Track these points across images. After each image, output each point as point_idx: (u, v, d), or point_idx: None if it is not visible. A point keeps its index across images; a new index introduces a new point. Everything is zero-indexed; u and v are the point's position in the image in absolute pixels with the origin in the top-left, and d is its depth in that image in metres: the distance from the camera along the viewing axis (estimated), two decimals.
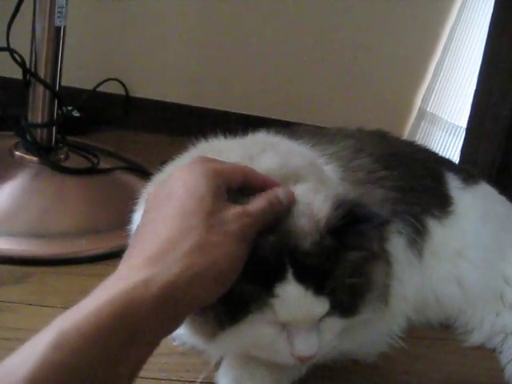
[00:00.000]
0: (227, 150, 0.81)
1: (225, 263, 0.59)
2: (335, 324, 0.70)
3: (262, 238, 0.64)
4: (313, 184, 0.74)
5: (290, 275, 0.65)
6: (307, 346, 0.68)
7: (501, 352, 1.04)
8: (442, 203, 1.08)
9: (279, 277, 0.65)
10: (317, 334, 0.68)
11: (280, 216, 0.67)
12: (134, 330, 0.52)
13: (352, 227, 0.68)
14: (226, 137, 0.90)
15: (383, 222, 0.72)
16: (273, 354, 0.70)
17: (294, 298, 0.65)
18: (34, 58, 1.24)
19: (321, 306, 0.67)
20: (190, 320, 0.68)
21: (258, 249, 0.64)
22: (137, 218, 0.87)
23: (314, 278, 0.66)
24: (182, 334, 0.84)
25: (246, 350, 0.72)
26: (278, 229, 0.66)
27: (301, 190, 0.72)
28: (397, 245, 0.96)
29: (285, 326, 0.68)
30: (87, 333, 0.49)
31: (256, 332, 0.67)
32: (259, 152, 0.78)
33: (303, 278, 0.65)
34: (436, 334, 1.07)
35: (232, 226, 0.60)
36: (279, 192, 0.68)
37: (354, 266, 0.69)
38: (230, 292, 0.62)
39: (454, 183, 1.13)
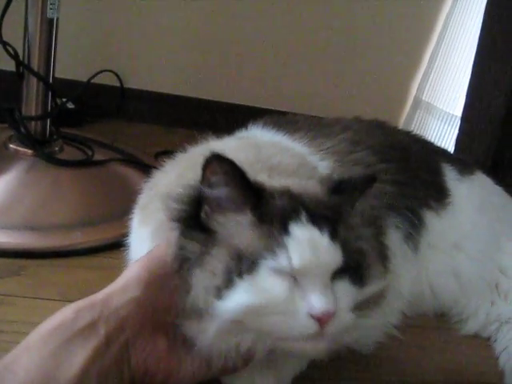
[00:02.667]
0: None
1: None
2: (348, 289, 0.67)
3: (277, 192, 0.69)
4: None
5: (304, 219, 0.66)
6: (325, 299, 0.63)
7: (495, 340, 1.05)
8: (438, 195, 1.09)
9: (294, 219, 0.66)
10: (332, 292, 0.65)
11: None
12: None
13: (348, 189, 0.72)
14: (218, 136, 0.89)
15: (372, 177, 0.74)
16: (289, 319, 0.63)
17: (309, 238, 0.65)
18: (26, 51, 1.24)
19: (335, 252, 0.66)
20: (194, 274, 0.66)
21: (273, 198, 0.68)
22: (134, 225, 0.85)
23: (327, 224, 0.67)
24: None
25: (258, 317, 0.64)
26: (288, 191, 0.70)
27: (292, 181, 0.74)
28: (394, 239, 0.96)
29: (299, 283, 0.64)
30: None
31: (268, 285, 0.63)
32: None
33: (317, 222, 0.66)
34: (431, 323, 1.08)
35: None
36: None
37: (355, 226, 0.70)
38: (240, 240, 0.64)
39: (450, 175, 1.13)
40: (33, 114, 1.28)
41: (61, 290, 0.97)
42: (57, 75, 1.31)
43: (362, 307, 0.69)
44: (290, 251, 0.64)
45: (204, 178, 0.67)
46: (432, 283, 1.06)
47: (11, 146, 1.28)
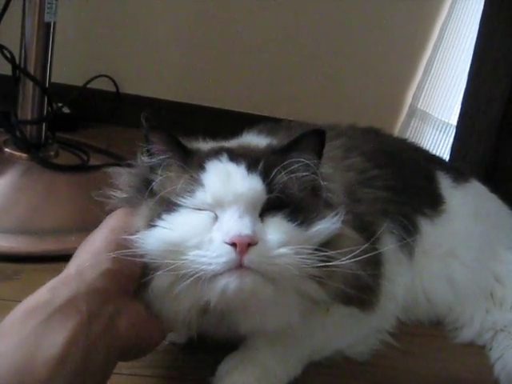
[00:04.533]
0: None
1: None
2: (280, 225, 0.68)
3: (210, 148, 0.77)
4: None
5: (223, 158, 0.71)
6: (238, 225, 0.65)
7: (490, 349, 1.05)
8: (433, 202, 1.09)
9: (212, 158, 0.71)
10: (253, 221, 0.66)
11: None
12: None
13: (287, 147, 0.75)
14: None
15: (316, 130, 0.75)
16: (206, 251, 0.64)
17: (223, 171, 0.69)
18: (23, 54, 1.24)
19: (252, 182, 0.68)
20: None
21: (203, 151, 0.75)
22: None
23: (247, 160, 0.70)
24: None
25: (178, 255, 0.65)
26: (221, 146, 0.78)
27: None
28: (388, 244, 0.96)
29: (219, 218, 0.67)
30: None
31: (185, 220, 0.67)
32: None
33: (235, 159, 0.71)
34: (426, 331, 1.08)
35: None
36: None
37: (292, 169, 0.71)
38: (167, 189, 0.69)
39: (445, 182, 1.13)
40: (28, 117, 1.28)
41: None
42: (53, 80, 1.31)
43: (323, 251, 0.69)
44: (205, 186, 0.68)
45: (145, 150, 0.74)
46: (426, 290, 1.06)
47: (6, 149, 1.27)
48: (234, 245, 0.63)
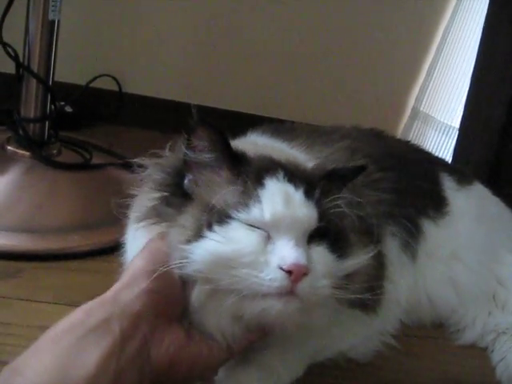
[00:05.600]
0: None
1: None
2: (324, 255, 0.68)
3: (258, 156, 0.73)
4: None
5: (280, 176, 0.68)
6: (296, 253, 0.64)
7: (492, 351, 1.05)
8: (436, 204, 1.09)
9: (270, 174, 0.68)
10: (307, 250, 0.65)
11: None
12: None
13: (335, 176, 0.74)
14: None
15: (362, 167, 0.76)
16: (259, 272, 0.63)
17: (282, 191, 0.67)
18: (27, 52, 1.24)
19: (309, 209, 0.67)
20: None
21: (253, 159, 0.71)
22: (130, 222, 0.82)
23: (304, 183, 0.68)
24: None
25: (228, 270, 0.64)
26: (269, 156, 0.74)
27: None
28: (391, 247, 0.97)
29: (272, 239, 0.65)
30: None
31: (239, 236, 0.64)
32: None
33: (293, 180, 0.68)
34: (428, 333, 1.08)
35: None
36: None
37: (337, 200, 0.70)
38: (215, 196, 0.66)
39: (448, 184, 1.13)
40: (31, 116, 1.28)
41: (57, 293, 0.97)
42: (56, 79, 1.31)
43: (343, 284, 0.69)
44: (262, 204, 0.65)
45: (189, 143, 0.70)
46: (429, 292, 1.06)
47: (9, 147, 1.27)
48: (288, 272, 0.63)
